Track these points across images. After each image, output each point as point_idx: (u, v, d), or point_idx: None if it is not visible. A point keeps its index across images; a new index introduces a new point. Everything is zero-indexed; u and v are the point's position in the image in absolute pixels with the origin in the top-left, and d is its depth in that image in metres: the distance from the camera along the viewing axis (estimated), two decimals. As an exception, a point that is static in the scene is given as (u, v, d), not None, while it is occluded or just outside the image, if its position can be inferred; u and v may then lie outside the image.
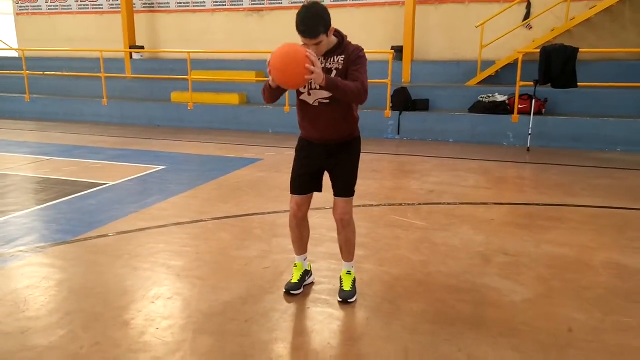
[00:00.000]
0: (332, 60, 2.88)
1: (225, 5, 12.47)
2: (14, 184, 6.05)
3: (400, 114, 9.12)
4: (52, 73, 12.62)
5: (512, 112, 8.59)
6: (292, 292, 3.25)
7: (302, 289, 3.30)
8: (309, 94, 2.94)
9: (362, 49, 2.94)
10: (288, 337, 2.80)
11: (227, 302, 3.17)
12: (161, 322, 2.93)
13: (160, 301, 3.18)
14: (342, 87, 2.77)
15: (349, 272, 3.28)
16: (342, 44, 2.90)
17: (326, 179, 3.19)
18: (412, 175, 6.51)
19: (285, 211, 4.97)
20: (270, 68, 2.65)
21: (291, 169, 3.21)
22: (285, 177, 6.25)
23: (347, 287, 3.22)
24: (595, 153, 7.93)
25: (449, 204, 5.27)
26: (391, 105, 9.19)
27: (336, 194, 3.13)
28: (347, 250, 3.26)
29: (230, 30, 12.53)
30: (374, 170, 6.75)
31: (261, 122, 10.12)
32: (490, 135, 8.63)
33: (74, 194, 5.57)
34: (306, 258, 3.38)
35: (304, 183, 3.16)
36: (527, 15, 10.16)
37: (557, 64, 8.03)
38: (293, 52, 2.62)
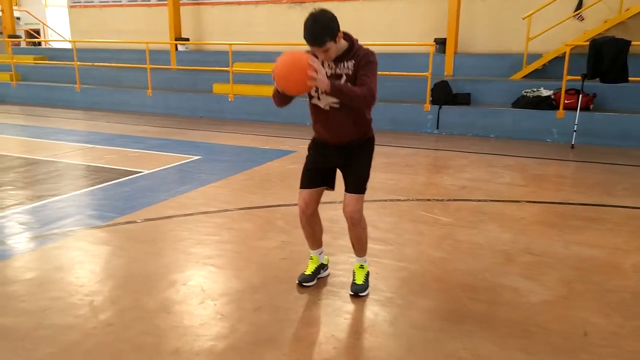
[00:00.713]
0: (342, 65, 2.86)
1: (269, -3, 12.57)
2: (57, 170, 6.34)
3: (439, 108, 8.94)
4: (101, 64, 13.10)
5: (557, 108, 8.26)
6: (304, 283, 3.27)
7: (315, 281, 3.31)
8: (319, 99, 2.94)
9: (374, 54, 2.89)
10: (294, 327, 2.82)
11: (240, 291, 3.23)
12: (173, 306, 3.02)
13: (175, 287, 3.27)
14: (346, 92, 2.75)
15: (361, 266, 3.26)
16: (352, 49, 2.87)
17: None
18: (446, 170, 6.38)
19: (311, 203, 4.99)
20: (274, 76, 2.66)
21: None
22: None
23: (359, 280, 3.21)
24: (623, 150, 7.53)
25: (479, 200, 5.14)
26: (431, 99, 9.02)
27: (346, 190, 3.10)
28: (359, 247, 3.24)
29: (272, 22, 12.62)
30: (407, 165, 6.66)
31: (299, 114, 10.07)
32: (533, 132, 8.34)
33: (111, 180, 5.79)
34: (322, 252, 3.38)
35: (312, 177, 3.16)
36: (578, 6, 9.73)
37: (607, 58, 7.65)
38: (295, 59, 2.63)
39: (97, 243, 4.01)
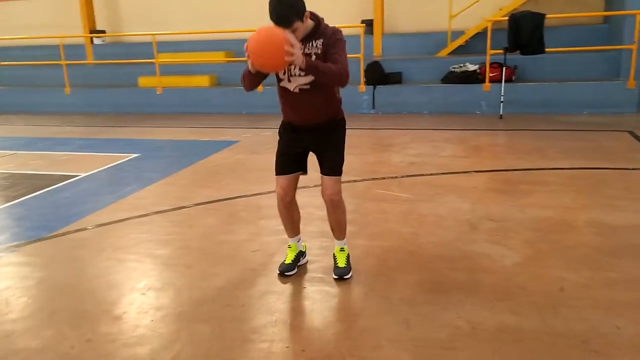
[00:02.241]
0: (310, 45, 2.80)
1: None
2: (-19, 181, 5.81)
3: (374, 88, 9.07)
4: (10, 63, 12.10)
5: (483, 81, 8.65)
6: (286, 273, 3.22)
7: (296, 270, 3.27)
8: (289, 81, 2.88)
9: (340, 32, 2.87)
10: (287, 318, 2.78)
11: (220, 288, 3.12)
12: (155, 313, 2.87)
13: (150, 292, 3.11)
14: (322, 69, 2.71)
15: (342, 249, 3.26)
16: (319, 28, 2.82)
17: (312, 159, 3.14)
18: (392, 148, 6.51)
19: (269, 192, 4.93)
20: (248, 52, 2.58)
21: (275, 150, 3.15)
22: (264, 158, 6.20)
23: (341, 263, 3.20)
24: (564, 116, 8.06)
25: (431, 174, 5.29)
26: (365, 80, 9.13)
27: (324, 173, 3.08)
28: (339, 230, 3.23)
29: (196, 10, 12.18)
30: (353, 146, 6.68)
31: (234, 103, 9.95)
32: (464, 105, 8.69)
33: (45, 187, 5.38)
34: (300, 239, 3.34)
35: (288, 163, 3.10)
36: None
37: (525, 31, 8.09)
38: (271, 34, 2.56)
39: (48, 255, 3.71)
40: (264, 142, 7.15)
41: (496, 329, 2.56)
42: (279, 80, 2.93)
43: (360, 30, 9.15)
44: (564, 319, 2.62)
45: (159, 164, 6.27)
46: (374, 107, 9.16)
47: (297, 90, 2.89)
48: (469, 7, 9.73)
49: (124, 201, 4.85)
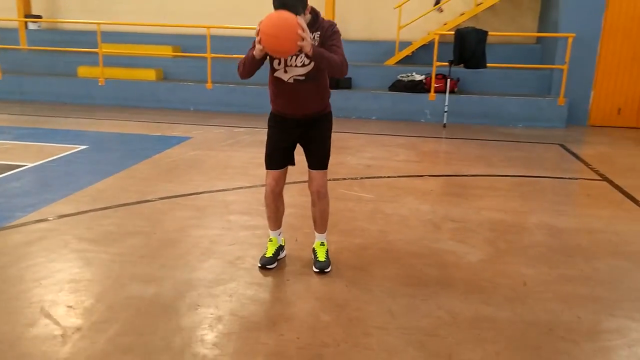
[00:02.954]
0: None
1: (136, -26, 11.74)
2: None
3: (324, 92, 9.25)
4: None
5: (429, 91, 9.07)
6: (267, 266, 3.29)
7: (275, 264, 3.35)
8: (285, 71, 2.96)
9: (336, 24, 3.02)
10: (276, 309, 2.86)
11: (202, 279, 3.15)
12: (139, 306, 2.85)
13: (135, 285, 3.08)
14: (327, 57, 2.84)
15: (322, 244, 3.38)
16: (317, 21, 2.95)
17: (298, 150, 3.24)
18: (347, 151, 6.70)
19: (235, 188, 4.96)
20: (261, 35, 2.66)
21: (265, 145, 3.24)
22: (222, 156, 6.20)
23: (321, 257, 3.32)
24: (502, 128, 8.63)
25: (388, 177, 5.52)
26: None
27: (312, 167, 3.21)
28: (322, 222, 3.35)
29: (140, 1, 11.83)
30: (308, 147, 6.86)
31: (181, 99, 9.79)
32: (410, 113, 9.06)
33: (-7, 176, 5.10)
34: (281, 232, 3.42)
35: (280, 157, 3.20)
36: (437, 0, 10.66)
37: (470, 46, 8.58)
38: (284, 18, 2.66)
39: (20, 246, 3.56)
40: (217, 139, 7.12)
41: (473, 319, 2.79)
42: (274, 70, 3.00)
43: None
44: (531, 310, 2.89)
45: (112, 157, 6.09)
46: (323, 110, 9.33)
47: (291, 80, 2.97)
48: (416, 19, 10.14)
49: (83, 193, 4.70)
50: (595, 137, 8.07)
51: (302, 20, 2.69)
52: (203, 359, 2.39)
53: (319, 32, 2.93)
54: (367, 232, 3.99)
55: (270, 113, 3.21)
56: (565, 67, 8.57)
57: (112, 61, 10.41)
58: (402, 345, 2.54)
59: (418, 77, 9.20)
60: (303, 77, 2.96)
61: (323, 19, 2.98)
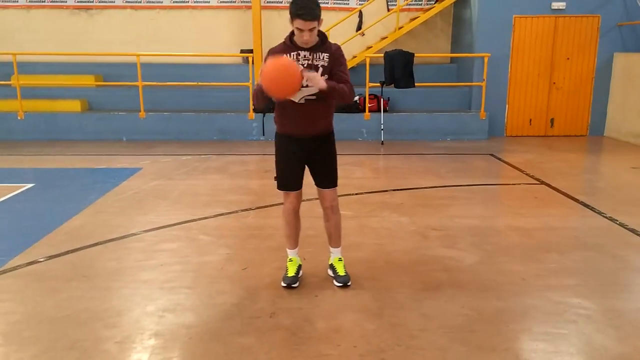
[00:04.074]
0: (317, 56, 3.07)
1: (45, 2, 11.17)
2: None
3: (263, 116, 9.40)
4: None
5: (363, 111, 9.55)
6: (293, 285, 3.40)
7: (298, 283, 3.46)
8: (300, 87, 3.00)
9: (341, 47, 3.23)
10: (322, 324, 2.99)
11: (235, 304, 3.20)
12: (187, 332, 2.85)
13: (167, 314, 3.06)
14: (339, 90, 3.07)
15: (340, 259, 3.55)
16: (325, 42, 3.12)
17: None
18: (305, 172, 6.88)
19: (217, 215, 4.98)
20: (262, 80, 2.86)
21: (275, 165, 3.44)
22: (185, 184, 6.15)
23: (342, 272, 3.48)
24: (433, 142, 9.28)
25: (357, 194, 5.80)
26: (253, 107, 9.43)
27: (325, 186, 3.38)
28: (337, 235, 3.53)
29: (52, 30, 11.25)
30: (267, 171, 6.98)
31: (112, 129, 9.44)
32: (348, 132, 9.44)
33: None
34: (297, 251, 3.55)
35: (295, 180, 3.35)
36: (359, 25, 11.26)
37: (398, 67, 9.22)
38: (285, 65, 2.86)
39: (11, 292, 3.36)
40: (170, 169, 7.00)
41: (496, 312, 3.11)
42: None
43: (250, 58, 9.47)
44: (539, 299, 3.28)
45: (66, 193, 5.81)
46: (263, 134, 9.47)
47: (302, 101, 3.09)
48: (343, 43, 10.64)
49: (60, 231, 4.48)
50: (516, 146, 8.95)
51: (305, 70, 2.91)
52: (278, 377, 2.48)
53: (327, 54, 3.08)
54: (365, 246, 4.22)
55: (277, 134, 3.35)
56: (484, 84, 9.45)
57: (28, 93, 9.80)
58: (448, 343, 2.79)
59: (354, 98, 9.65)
60: (314, 97, 3.08)
61: (329, 42, 3.15)
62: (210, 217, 4.93)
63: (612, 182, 6.42)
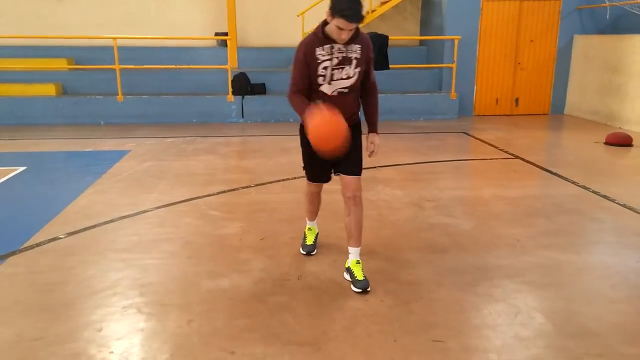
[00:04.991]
0: (351, 48, 2.98)
1: (9, -17, 10.82)
2: None
3: (242, 98, 9.54)
4: None
5: (340, 92, 9.80)
6: (311, 253, 3.67)
7: (316, 250, 3.72)
8: (330, 84, 3.01)
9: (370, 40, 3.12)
10: (348, 281, 3.27)
11: (265, 269, 3.44)
12: (222, 295, 3.09)
13: (204, 282, 3.27)
14: (377, 112, 3.37)
15: (358, 262, 3.27)
16: (358, 32, 2.99)
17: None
18: (291, 151, 7.10)
19: (219, 192, 5.17)
20: (311, 139, 2.89)
21: (301, 157, 3.36)
22: (179, 165, 6.29)
23: (360, 276, 3.20)
24: (407, 122, 9.66)
25: (348, 170, 6.08)
26: (232, 90, 9.53)
27: (349, 172, 3.21)
28: (358, 233, 3.25)
29: (21, 13, 10.93)
30: (256, 150, 7.17)
31: (90, 113, 9.35)
32: (325, 113, 9.71)
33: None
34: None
35: (324, 171, 3.32)
36: (331, 7, 11.47)
37: (374, 49, 9.49)
38: (335, 129, 2.83)
39: (43, 264, 3.49)
40: (159, 150, 7.09)
41: (499, 268, 3.49)
42: (318, 85, 3.03)
43: (229, 42, 9.53)
44: (535, 257, 3.67)
45: (62, 175, 5.85)
46: (243, 117, 9.61)
47: (335, 93, 3.05)
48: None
49: (69, 211, 4.58)
50: (485, 125, 9.42)
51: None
52: None
53: (359, 46, 2.99)
54: (367, 216, 4.42)
55: (302, 126, 3.14)
56: (454, 65, 9.87)
57: (0, 77, 9.57)
58: (463, 295, 3.14)
59: (329, 80, 9.89)
60: (347, 90, 3.06)
61: (361, 32, 3.01)
62: (214, 194, 5.11)
63: (579, 155, 6.94)
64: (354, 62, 3.01)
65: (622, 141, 7.40)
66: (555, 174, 5.89)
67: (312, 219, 3.76)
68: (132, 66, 9.48)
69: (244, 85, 9.62)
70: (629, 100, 8.75)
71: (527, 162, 6.47)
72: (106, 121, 9.38)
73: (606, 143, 7.47)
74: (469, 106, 10.46)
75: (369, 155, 3.26)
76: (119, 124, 9.26)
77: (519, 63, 10.31)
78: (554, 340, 2.68)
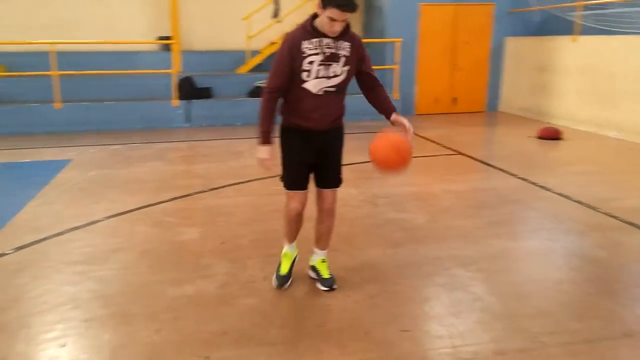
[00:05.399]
0: (340, 45, 2.80)
1: None
2: None
3: (188, 103, 9.40)
4: None
5: (286, 95, 9.85)
6: (283, 286, 3.20)
7: (290, 282, 3.26)
8: (315, 80, 2.80)
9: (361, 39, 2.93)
10: (313, 279, 3.34)
11: (229, 273, 3.44)
12: (189, 300, 3.07)
13: (169, 289, 3.24)
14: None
15: (323, 260, 3.30)
16: (348, 29, 2.81)
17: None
18: (243, 154, 7.10)
19: (172, 198, 5.10)
20: (377, 164, 2.88)
21: (282, 162, 3.08)
22: (124, 173, 6.13)
23: (326, 274, 3.24)
24: (355, 122, 9.72)
25: (301, 172, 6.14)
26: (177, 94, 9.37)
27: (325, 186, 3.08)
28: (327, 238, 3.28)
29: None
30: (207, 155, 7.09)
31: (23, 122, 8.90)
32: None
33: None
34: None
35: (305, 176, 3.06)
36: (276, 11, 11.48)
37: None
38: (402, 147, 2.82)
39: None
40: (103, 158, 6.87)
41: (454, 258, 3.66)
42: (301, 82, 2.80)
43: (174, 46, 9.36)
44: (485, 246, 3.89)
45: (4, 187, 5.57)
46: (189, 121, 9.47)
47: (321, 92, 2.83)
48: (263, 30, 10.85)
49: (13, 225, 4.38)
50: (427, 123, 9.74)
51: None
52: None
53: (349, 43, 2.81)
54: (325, 215, 4.59)
55: (285, 128, 3.00)
56: (396, 67, 10.16)
57: None
58: (425, 285, 3.27)
59: (274, 83, 9.92)
60: (334, 89, 2.85)
61: (352, 31, 2.86)
62: (167, 201, 5.03)
63: (516, 149, 7.34)
64: (342, 59, 2.82)
65: (552, 135, 7.89)
66: (495, 167, 6.20)
67: (291, 240, 3.28)
68: (70, 72, 9.12)
69: (189, 90, 9.49)
70: (556, 97, 9.34)
71: (469, 157, 6.78)
72: (43, 130, 8.96)
73: (538, 137, 7.94)
74: (411, 106, 10.79)
75: (409, 136, 2.91)
76: (57, 132, 8.86)
77: (456, 64, 10.74)
78: (511, 321, 2.86)
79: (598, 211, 4.58)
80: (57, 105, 8.99)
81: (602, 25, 8.23)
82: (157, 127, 9.28)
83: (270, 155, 2.99)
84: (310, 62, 2.77)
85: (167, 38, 10.53)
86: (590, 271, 3.47)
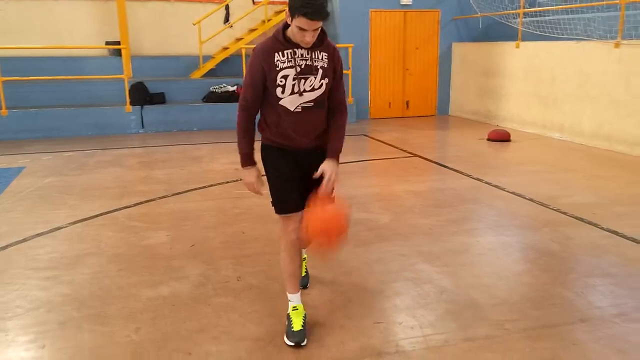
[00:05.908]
0: (316, 56, 2.56)
1: None
2: None
3: (142, 108, 9.26)
4: None
5: (242, 99, 9.88)
6: (301, 344, 2.67)
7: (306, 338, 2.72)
8: (291, 96, 2.55)
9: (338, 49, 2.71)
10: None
11: (203, 274, 3.47)
12: (165, 302, 3.09)
13: (144, 291, 3.23)
14: (343, 141, 2.74)
15: (304, 258, 3.26)
16: (325, 39, 2.58)
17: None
18: (203, 159, 7.08)
19: (136, 204, 5.05)
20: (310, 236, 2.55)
21: (269, 185, 2.76)
22: (83, 179, 6.02)
23: (302, 272, 3.22)
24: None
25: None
26: (130, 100, 9.21)
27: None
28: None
29: None
30: (165, 160, 7.02)
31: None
32: (227, 122, 9.67)
33: None
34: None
35: (296, 193, 2.69)
36: (226, 18, 11.48)
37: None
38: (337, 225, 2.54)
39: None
40: (58, 165, 6.70)
41: (419, 254, 3.82)
42: (277, 99, 2.56)
43: (124, 51, 9.20)
44: (448, 242, 4.07)
45: (-50, 197, 5.35)
46: (143, 127, 9.33)
47: (298, 109, 2.58)
48: (215, 35, 10.82)
49: (-30, 234, 4.23)
50: (381, 127, 10.01)
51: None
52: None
53: (326, 54, 2.58)
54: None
55: (266, 147, 2.74)
56: (349, 72, 10.37)
57: None
58: (392, 280, 3.42)
59: (231, 88, 9.93)
60: (312, 104, 2.59)
61: (329, 39, 2.63)
62: (131, 206, 4.98)
63: (469, 151, 7.67)
64: (320, 71, 2.56)
65: (502, 137, 8.29)
66: (451, 168, 6.47)
67: (295, 289, 2.81)
68: (15, 78, 8.79)
69: (142, 95, 9.35)
70: (504, 100, 9.80)
71: (425, 159, 7.04)
72: (-12, 137, 8.62)
73: (489, 139, 8.32)
74: (365, 110, 11.03)
75: (319, 192, 2.59)
76: (4, 139, 8.55)
77: (407, 69, 11.08)
78: (477, 311, 3.04)
79: (549, 208, 4.88)
80: (3, 112, 8.65)
81: (543, 31, 8.73)
82: (110, 133, 9.10)
83: (256, 177, 2.74)
84: (284, 77, 2.52)
85: (116, 43, 10.34)
86: (545, 263, 3.71)
